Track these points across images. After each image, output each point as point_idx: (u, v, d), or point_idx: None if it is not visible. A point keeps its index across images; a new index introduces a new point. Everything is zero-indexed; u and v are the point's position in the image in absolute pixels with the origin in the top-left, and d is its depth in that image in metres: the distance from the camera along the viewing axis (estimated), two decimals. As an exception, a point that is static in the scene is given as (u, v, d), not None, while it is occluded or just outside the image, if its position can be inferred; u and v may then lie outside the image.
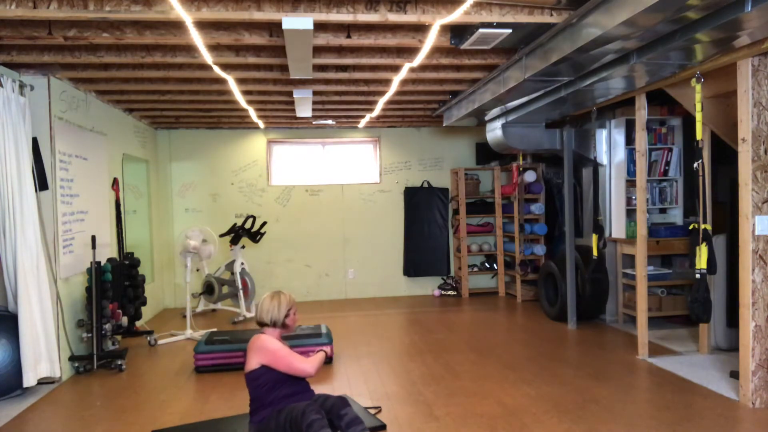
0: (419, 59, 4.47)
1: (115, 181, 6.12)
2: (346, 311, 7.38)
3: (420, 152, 8.50)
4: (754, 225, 3.62)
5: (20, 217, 4.26)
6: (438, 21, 3.56)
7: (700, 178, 3.84)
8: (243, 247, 7.30)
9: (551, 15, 3.50)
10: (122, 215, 6.21)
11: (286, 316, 3.04)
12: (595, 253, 5.20)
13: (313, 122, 7.76)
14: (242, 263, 7.12)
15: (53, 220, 4.71)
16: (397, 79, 5.23)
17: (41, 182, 4.60)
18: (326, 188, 8.33)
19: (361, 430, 2.77)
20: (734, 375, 4.07)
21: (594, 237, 5.18)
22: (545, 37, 3.82)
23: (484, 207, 8.27)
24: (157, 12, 3.30)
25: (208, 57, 4.28)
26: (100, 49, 4.24)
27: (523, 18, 3.50)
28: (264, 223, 7.47)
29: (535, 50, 4.09)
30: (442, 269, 8.45)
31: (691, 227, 3.82)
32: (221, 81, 5.18)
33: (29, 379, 4.21)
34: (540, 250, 7.53)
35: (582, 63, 4.00)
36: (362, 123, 7.86)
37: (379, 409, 3.77)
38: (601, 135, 5.98)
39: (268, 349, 2.93)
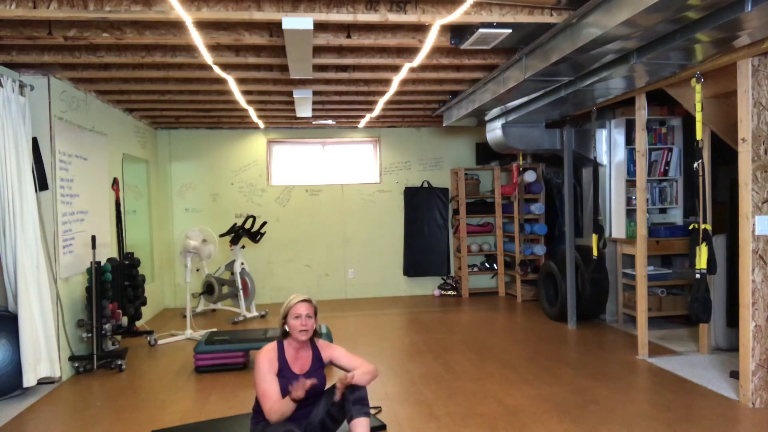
0: (419, 59, 4.47)
1: (115, 181, 6.12)
2: (346, 311, 7.38)
3: (420, 152, 8.50)
4: (754, 225, 3.62)
5: (20, 217, 4.26)
6: (438, 21, 3.56)
7: (700, 178, 3.84)
8: (243, 247, 7.30)
9: (551, 15, 3.50)
10: (122, 215, 6.21)
11: (284, 323, 2.93)
12: (595, 253, 5.20)
13: (313, 122, 7.76)
14: (242, 263, 7.12)
15: (53, 220, 4.71)
16: (397, 79, 5.23)
17: (41, 182, 4.60)
18: (326, 188, 8.33)
19: (363, 413, 2.78)
20: (734, 375, 4.07)
21: (594, 237, 5.18)
22: (545, 37, 3.82)
23: (484, 207, 8.26)
24: (157, 12, 3.30)
25: (208, 57, 4.28)
26: (100, 49, 4.24)
27: (523, 18, 3.50)
28: (264, 223, 7.46)
29: (535, 50, 4.09)
30: (442, 269, 8.44)
31: (691, 227, 3.81)
32: (221, 81, 5.18)
33: (29, 379, 4.21)
34: (540, 250, 7.53)
35: (582, 63, 4.00)
36: (362, 123, 7.86)
37: (379, 409, 3.77)
38: (601, 135, 5.98)
39: (255, 366, 2.89)
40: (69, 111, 5.05)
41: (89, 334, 4.90)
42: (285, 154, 8.39)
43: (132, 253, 5.97)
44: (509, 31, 3.75)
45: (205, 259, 7.08)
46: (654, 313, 5.60)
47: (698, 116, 3.92)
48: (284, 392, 2.80)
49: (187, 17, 3.34)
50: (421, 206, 8.41)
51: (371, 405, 3.79)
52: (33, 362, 4.24)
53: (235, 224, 7.35)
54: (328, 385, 3.01)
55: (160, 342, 5.80)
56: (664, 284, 5.80)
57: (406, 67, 4.76)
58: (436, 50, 4.48)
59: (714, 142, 4.61)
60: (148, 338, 5.75)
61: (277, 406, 2.75)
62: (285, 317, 2.92)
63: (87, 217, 5.36)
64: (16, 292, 4.25)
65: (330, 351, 3.04)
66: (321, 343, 3.07)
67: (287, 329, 2.93)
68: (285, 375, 2.88)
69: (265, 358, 2.88)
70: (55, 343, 4.47)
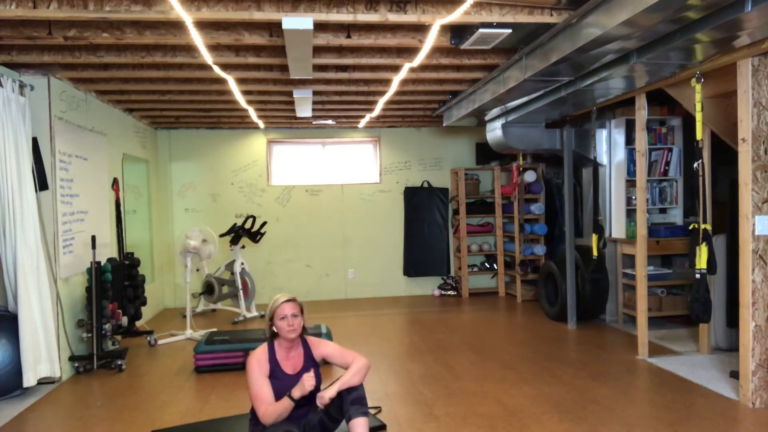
0: (419, 59, 4.47)
1: (115, 181, 6.12)
2: (346, 311, 7.38)
3: (420, 152, 8.50)
4: (754, 225, 3.62)
5: (20, 217, 4.26)
6: (438, 21, 3.56)
7: (700, 178, 3.84)
8: (243, 247, 7.30)
9: (551, 15, 3.50)
10: (122, 215, 6.21)
11: (271, 324, 2.89)
12: (595, 253, 5.20)
13: (313, 122, 7.76)
14: (242, 263, 7.12)
15: (53, 220, 4.71)
16: (397, 79, 5.23)
17: (41, 182, 4.60)
18: (326, 188, 8.33)
19: (361, 413, 2.77)
20: (734, 375, 4.07)
21: (594, 237, 5.18)
22: (545, 37, 3.82)
23: (484, 207, 8.26)
24: (157, 12, 3.30)
25: (208, 57, 4.28)
26: (100, 49, 4.24)
27: (523, 18, 3.50)
28: (264, 223, 7.46)
29: (535, 50, 4.09)
30: (442, 269, 8.44)
31: (691, 227, 3.82)
32: (221, 81, 5.18)
33: (29, 379, 4.21)
34: (540, 250, 7.53)
35: (582, 63, 4.00)
36: (362, 123, 7.86)
37: (379, 409, 3.77)
38: (601, 135, 5.98)
39: (246, 370, 2.87)
40: (69, 111, 5.05)
41: (89, 334, 4.90)
42: (285, 154, 8.38)
43: (132, 253, 5.97)
44: (509, 31, 3.75)
45: (205, 259, 7.08)
46: (654, 313, 5.60)
47: (698, 116, 3.93)
48: (278, 394, 2.78)
49: (187, 17, 3.34)
50: (421, 206, 8.41)
51: (371, 405, 3.80)
52: (33, 362, 4.24)
53: (235, 224, 7.35)
54: (324, 386, 3.00)
55: (160, 342, 5.79)
56: (664, 284, 5.80)
57: (406, 67, 4.76)
58: (436, 50, 4.48)
59: (714, 142, 4.61)
60: (148, 338, 5.75)
61: (272, 408, 2.73)
62: (271, 319, 2.89)
63: (87, 217, 5.36)
64: (16, 292, 4.25)
65: (322, 348, 3.02)
66: (312, 340, 3.04)
67: (275, 330, 2.91)
68: (277, 376, 2.86)
69: (256, 361, 2.85)
70: (55, 343, 4.47)
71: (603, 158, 5.97)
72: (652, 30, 3.22)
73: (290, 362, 2.93)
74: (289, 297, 2.92)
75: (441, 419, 3.59)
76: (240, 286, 6.96)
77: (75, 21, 3.66)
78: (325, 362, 3.03)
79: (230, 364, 4.77)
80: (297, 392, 2.72)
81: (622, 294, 6.04)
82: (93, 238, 4.99)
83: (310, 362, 2.97)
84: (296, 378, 2.86)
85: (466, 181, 8.15)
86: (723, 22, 2.98)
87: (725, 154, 4.75)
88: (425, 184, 8.47)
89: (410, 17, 3.47)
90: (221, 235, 7.23)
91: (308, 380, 2.71)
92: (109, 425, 3.68)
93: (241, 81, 5.21)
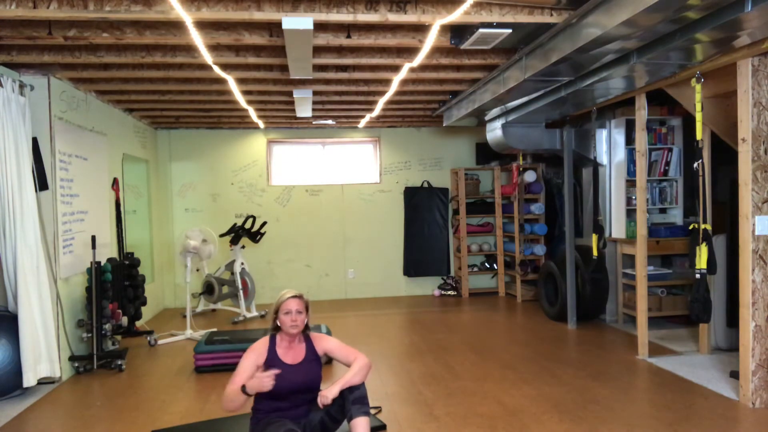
0: (419, 59, 4.47)
1: (115, 181, 6.12)
2: (346, 311, 7.38)
3: (420, 152, 8.50)
4: (754, 225, 3.62)
5: (20, 217, 4.26)
6: (438, 21, 3.56)
7: (700, 178, 3.84)
8: (243, 247, 7.30)
9: (551, 15, 3.50)
10: (122, 215, 6.21)
11: (275, 317, 2.92)
12: (595, 253, 5.21)
13: (313, 122, 7.77)
14: (242, 263, 7.12)
15: (53, 220, 4.71)
16: (397, 79, 5.23)
17: (41, 182, 4.60)
18: (326, 188, 8.33)
19: (363, 412, 2.78)
20: (734, 375, 4.07)
21: (594, 237, 5.18)
22: (545, 37, 3.82)
23: (484, 207, 8.26)
24: (157, 12, 3.30)
25: (208, 57, 4.28)
26: (100, 49, 4.24)
27: (523, 18, 3.51)
28: (264, 223, 7.46)
29: (535, 50, 4.09)
30: (442, 269, 8.44)
31: (691, 227, 3.82)
32: (221, 81, 5.18)
33: (29, 379, 4.21)
34: (540, 250, 7.53)
35: (582, 63, 4.00)
36: (362, 123, 7.86)
37: (379, 409, 3.77)
38: (601, 135, 5.98)
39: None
40: (69, 111, 5.05)
41: (89, 334, 4.90)
42: (285, 154, 8.39)
43: (132, 253, 5.97)
44: (509, 31, 3.75)
45: (205, 259, 7.08)
46: (654, 313, 5.60)
47: (698, 116, 3.93)
48: (277, 386, 2.78)
49: (187, 17, 3.34)
50: (421, 206, 8.41)
51: (371, 405, 3.80)
52: (33, 362, 4.24)
53: (235, 224, 7.35)
54: (325, 385, 3.00)
55: (160, 342, 5.79)
56: (664, 284, 5.80)
57: (406, 67, 4.76)
58: (436, 50, 4.48)
59: (714, 142, 4.61)
60: (148, 338, 5.75)
61: (228, 389, 2.74)
62: (276, 312, 2.92)
63: (87, 217, 5.36)
64: (16, 292, 4.25)
65: (324, 343, 3.04)
66: (315, 335, 3.06)
67: (279, 324, 2.93)
68: (276, 367, 2.85)
69: (252, 351, 2.88)
70: (55, 343, 4.47)
71: (603, 158, 5.97)
72: (652, 30, 3.22)
73: (291, 354, 2.93)
74: (297, 293, 2.96)
75: (441, 419, 3.59)
76: (240, 286, 6.96)
77: (75, 21, 3.66)
78: (328, 358, 3.02)
79: (230, 364, 4.76)
80: (253, 387, 2.72)
81: (622, 294, 6.04)
82: (93, 238, 4.99)
83: (312, 356, 2.98)
84: (297, 368, 2.88)
85: (466, 181, 8.15)
86: (723, 22, 2.98)
87: (725, 154, 4.75)
88: (425, 184, 8.47)
89: (410, 17, 3.47)
90: (221, 235, 7.23)
91: (267, 380, 2.69)
92: (109, 425, 3.68)
93: (241, 81, 5.21)
